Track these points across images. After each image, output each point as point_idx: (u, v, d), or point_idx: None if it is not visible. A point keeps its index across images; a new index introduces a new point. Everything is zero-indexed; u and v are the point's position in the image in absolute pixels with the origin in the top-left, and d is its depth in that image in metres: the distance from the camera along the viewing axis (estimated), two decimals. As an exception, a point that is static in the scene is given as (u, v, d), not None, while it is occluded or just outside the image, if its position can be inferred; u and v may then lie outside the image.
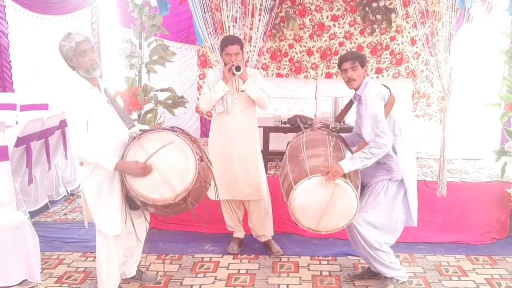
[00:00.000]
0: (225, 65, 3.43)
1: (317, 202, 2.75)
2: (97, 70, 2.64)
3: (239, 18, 4.61)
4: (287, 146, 3.28)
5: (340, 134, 3.25)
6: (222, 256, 3.64)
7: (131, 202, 2.82)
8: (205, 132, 6.67)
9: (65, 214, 4.62)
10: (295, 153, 3.03)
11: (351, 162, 2.78)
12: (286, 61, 6.65)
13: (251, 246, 3.80)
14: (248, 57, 4.52)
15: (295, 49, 6.59)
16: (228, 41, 3.41)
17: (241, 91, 3.44)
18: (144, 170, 2.58)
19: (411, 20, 6.03)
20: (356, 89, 2.99)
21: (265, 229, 3.69)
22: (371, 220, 2.92)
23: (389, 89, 2.96)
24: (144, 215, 3.01)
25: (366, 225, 2.91)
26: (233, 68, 3.33)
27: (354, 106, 3.20)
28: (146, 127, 3.13)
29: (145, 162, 2.60)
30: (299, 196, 2.75)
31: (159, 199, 2.61)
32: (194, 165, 2.63)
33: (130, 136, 2.72)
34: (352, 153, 2.99)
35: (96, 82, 2.71)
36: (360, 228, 2.90)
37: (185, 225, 4.06)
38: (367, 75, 3.00)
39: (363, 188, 3.04)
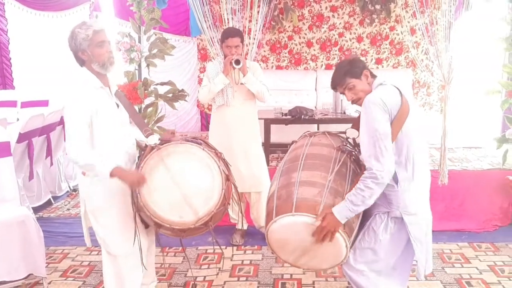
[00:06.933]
0: (225, 57, 3.43)
1: (298, 241, 2.22)
2: (113, 66, 2.34)
3: (238, 11, 4.61)
4: (291, 144, 2.72)
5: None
6: (226, 248, 3.66)
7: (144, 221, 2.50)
8: (205, 125, 6.67)
9: (68, 209, 4.64)
10: (290, 165, 2.44)
11: (348, 209, 2.11)
12: (285, 53, 6.63)
13: (254, 237, 3.82)
14: (248, 49, 4.52)
15: (295, 40, 6.58)
16: (229, 34, 3.42)
17: (241, 84, 3.45)
18: (141, 182, 2.22)
19: (410, 10, 6.02)
20: None
21: (267, 220, 3.71)
22: (367, 262, 2.33)
23: (401, 93, 2.17)
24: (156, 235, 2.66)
25: (362, 266, 2.32)
26: (233, 62, 3.34)
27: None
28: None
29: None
30: (278, 230, 2.22)
31: (178, 222, 2.28)
32: (220, 186, 2.31)
33: (148, 146, 2.36)
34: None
35: (107, 82, 2.38)
36: (353, 275, 2.34)
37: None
38: (374, 76, 2.31)
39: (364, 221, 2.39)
